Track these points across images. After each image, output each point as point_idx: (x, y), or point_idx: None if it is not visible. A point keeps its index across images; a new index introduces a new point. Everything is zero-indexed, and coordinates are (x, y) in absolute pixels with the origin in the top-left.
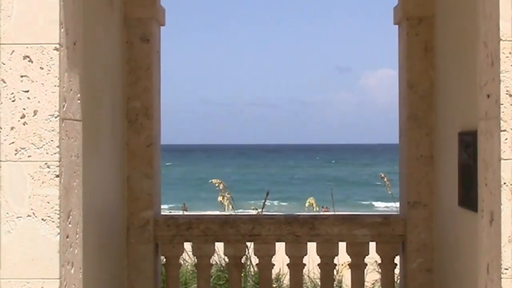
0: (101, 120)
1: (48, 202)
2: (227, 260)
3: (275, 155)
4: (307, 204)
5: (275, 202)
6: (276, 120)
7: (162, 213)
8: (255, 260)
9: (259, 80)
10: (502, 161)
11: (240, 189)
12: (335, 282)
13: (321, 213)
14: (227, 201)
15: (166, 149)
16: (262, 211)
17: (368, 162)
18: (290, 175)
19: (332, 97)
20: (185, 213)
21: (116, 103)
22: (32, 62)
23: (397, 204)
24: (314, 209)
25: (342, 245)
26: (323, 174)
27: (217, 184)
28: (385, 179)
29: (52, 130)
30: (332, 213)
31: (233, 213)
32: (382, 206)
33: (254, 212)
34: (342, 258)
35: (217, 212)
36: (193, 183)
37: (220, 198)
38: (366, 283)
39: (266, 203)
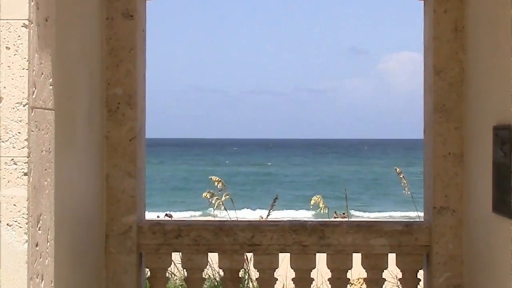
0: (76, 109)
1: (14, 205)
2: (222, 273)
3: (278, 151)
4: (312, 202)
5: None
6: (279, 110)
7: (147, 218)
8: (255, 274)
9: (260, 64)
10: None
11: (240, 194)
12: None
13: (332, 219)
14: (217, 202)
15: (152, 144)
16: (267, 218)
17: (386, 161)
18: (297, 175)
19: (345, 84)
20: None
21: (94, 90)
22: None
23: (416, 213)
24: (322, 210)
25: (357, 257)
26: (335, 174)
27: (216, 183)
28: (402, 175)
29: (20, 121)
30: (345, 219)
31: (230, 219)
32: (403, 212)
33: (254, 217)
34: (357, 272)
35: (211, 218)
36: (183, 185)
37: (205, 194)
38: None
39: (272, 210)
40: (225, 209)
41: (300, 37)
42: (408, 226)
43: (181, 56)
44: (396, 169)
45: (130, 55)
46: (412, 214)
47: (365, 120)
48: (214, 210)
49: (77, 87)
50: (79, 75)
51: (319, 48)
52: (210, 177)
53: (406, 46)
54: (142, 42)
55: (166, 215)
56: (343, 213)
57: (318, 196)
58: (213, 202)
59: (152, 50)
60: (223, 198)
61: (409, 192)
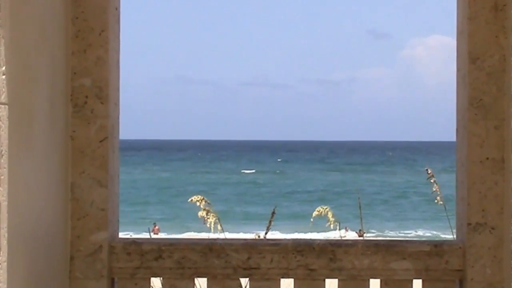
0: (35, 104)
1: None
2: None
3: (280, 155)
4: (314, 214)
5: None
6: (282, 106)
7: (121, 236)
8: None
9: (259, 50)
10: None
11: (234, 210)
12: None
13: (345, 237)
14: (211, 218)
15: (128, 146)
16: (265, 236)
17: (412, 168)
18: (303, 185)
19: (363, 74)
20: (154, 236)
21: (56, 80)
22: None
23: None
24: (330, 224)
25: (375, 283)
26: (349, 185)
27: (198, 203)
28: (433, 180)
29: None
30: (361, 238)
31: (221, 237)
32: (430, 229)
33: (251, 235)
34: None
35: (199, 235)
36: (167, 195)
37: (201, 213)
38: None
39: (271, 226)
40: (222, 229)
41: (307, 17)
42: (437, 247)
43: (164, 40)
44: (427, 169)
45: (101, 39)
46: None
47: (387, 118)
48: (211, 231)
49: (35, 77)
50: (38, 63)
51: (331, 31)
52: (190, 199)
53: (436, 29)
54: (115, 22)
55: (154, 226)
56: (360, 230)
57: (324, 207)
58: (210, 219)
59: (127, 32)
60: (214, 217)
61: (441, 202)
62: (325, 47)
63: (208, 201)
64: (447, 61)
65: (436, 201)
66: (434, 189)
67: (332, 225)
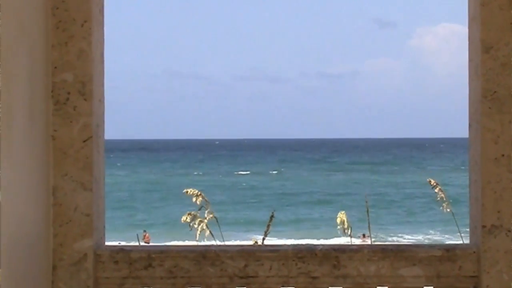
0: (13, 101)
1: None
2: None
3: (278, 155)
4: (339, 221)
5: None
6: (281, 102)
7: (108, 244)
8: None
9: (255, 41)
10: None
11: (229, 215)
12: None
13: (350, 242)
14: (201, 225)
15: (113, 147)
16: (263, 242)
17: (422, 166)
18: (303, 187)
19: (367, 66)
20: (144, 244)
21: (36, 75)
22: None
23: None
24: (346, 230)
25: None
26: (353, 185)
27: (194, 198)
28: (438, 188)
29: None
30: (366, 242)
31: (216, 243)
32: (442, 232)
33: (248, 242)
34: None
35: (191, 242)
36: (155, 199)
37: (185, 218)
38: None
39: (269, 231)
40: (212, 234)
41: (307, 5)
42: (449, 251)
43: (151, 31)
44: (429, 181)
45: (83, 30)
46: (456, 238)
47: (393, 114)
48: (197, 237)
49: (13, 72)
50: (15, 57)
51: (333, 19)
52: (185, 190)
53: (445, 16)
54: (99, 12)
55: (144, 233)
56: (363, 234)
57: (342, 213)
58: (196, 226)
59: (112, 23)
60: (206, 219)
61: (448, 210)
62: (326, 37)
63: (206, 198)
64: (459, 50)
65: (442, 208)
66: (439, 198)
67: (347, 231)
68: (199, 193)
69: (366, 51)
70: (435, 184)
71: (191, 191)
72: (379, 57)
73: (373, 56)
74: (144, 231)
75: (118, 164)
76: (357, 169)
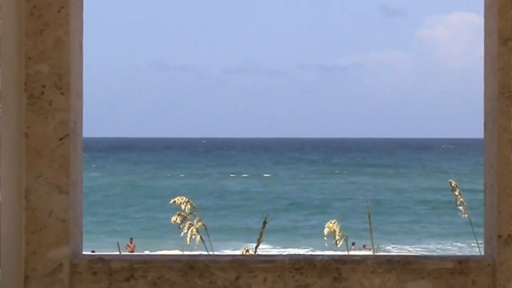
0: None
1: None
2: None
3: (273, 156)
4: (326, 231)
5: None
6: (277, 97)
7: (86, 253)
8: None
9: (249, 31)
10: None
11: (219, 222)
12: None
13: (353, 252)
14: (191, 229)
15: (91, 146)
16: (255, 251)
17: (431, 170)
18: (300, 191)
19: (372, 58)
20: (126, 253)
21: (7, 66)
22: None
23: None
24: (337, 241)
25: None
26: (352, 189)
27: (183, 206)
28: (457, 192)
29: None
30: (369, 253)
31: (205, 253)
32: (454, 242)
33: (239, 251)
34: None
35: (178, 252)
36: (137, 204)
37: (174, 218)
38: None
39: (262, 238)
40: (203, 241)
41: None
42: (461, 263)
43: (135, 18)
44: (450, 182)
45: (60, 17)
46: (470, 248)
47: (400, 111)
48: (188, 242)
49: None
50: None
51: (335, 7)
52: (173, 200)
53: (459, 4)
54: None
55: (130, 241)
56: (363, 246)
57: (333, 222)
58: (185, 229)
59: (92, 9)
60: (195, 225)
61: (466, 215)
62: (327, 25)
63: (194, 205)
64: (473, 42)
65: (460, 213)
66: (459, 202)
67: (339, 242)
68: (186, 199)
69: (371, 41)
70: (455, 186)
71: (179, 199)
72: (385, 48)
73: (379, 48)
74: (130, 238)
75: (93, 165)
76: (359, 171)
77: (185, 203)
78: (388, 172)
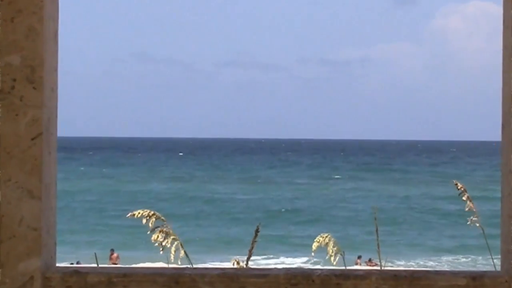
0: None
1: None
2: None
3: (268, 159)
4: (314, 246)
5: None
6: (274, 94)
7: (60, 265)
8: None
9: (244, 21)
10: None
11: (204, 233)
12: None
13: (356, 267)
14: (175, 243)
15: (66, 146)
16: (247, 263)
17: (443, 175)
18: (296, 198)
19: (380, 52)
20: (104, 265)
21: None
22: None
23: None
24: (330, 256)
25: None
26: (354, 196)
27: (144, 221)
28: (466, 196)
29: None
30: (375, 267)
31: (191, 266)
32: (466, 256)
33: (229, 264)
34: None
35: (162, 264)
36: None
37: (155, 236)
38: None
39: (253, 249)
40: (187, 256)
41: None
42: (475, 280)
43: (117, 6)
44: (456, 183)
45: (34, 3)
46: (485, 262)
47: (411, 110)
48: (171, 259)
49: None
50: None
51: None
52: (131, 213)
53: None
54: None
55: (111, 254)
56: (369, 259)
57: (325, 235)
58: (168, 244)
59: None
60: (178, 241)
61: (477, 224)
62: (330, 16)
63: (163, 218)
64: (492, 35)
65: (469, 222)
66: (468, 208)
67: (333, 258)
68: (151, 212)
69: (379, 33)
70: (462, 189)
71: (140, 212)
72: (394, 41)
73: (388, 40)
74: (112, 250)
75: (68, 168)
76: (363, 176)
77: (148, 217)
78: (395, 177)
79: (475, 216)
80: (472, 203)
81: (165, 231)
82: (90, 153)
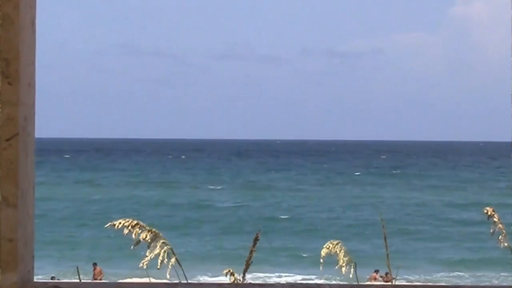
0: None
1: None
2: None
3: (270, 160)
4: (323, 253)
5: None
6: (275, 89)
7: (38, 279)
8: None
9: (239, 10)
10: None
11: (196, 245)
12: None
13: (370, 283)
14: (164, 247)
15: (45, 148)
16: (244, 277)
17: (464, 180)
18: (298, 206)
19: (394, 42)
20: (87, 280)
21: None
22: None
23: None
24: (342, 265)
25: None
26: (361, 204)
27: (126, 230)
28: (496, 219)
29: None
30: (389, 283)
31: (184, 281)
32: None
33: (226, 279)
34: None
35: (153, 280)
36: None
37: (144, 236)
38: None
39: (251, 259)
40: (179, 265)
41: None
42: None
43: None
44: (486, 210)
45: None
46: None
47: (428, 107)
48: (159, 265)
49: None
50: None
51: None
52: (110, 223)
53: None
54: None
55: (93, 268)
56: (386, 273)
57: (334, 242)
58: (157, 249)
59: None
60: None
61: (506, 244)
62: (339, 3)
63: (151, 228)
64: None
65: (497, 242)
66: (496, 230)
67: (344, 269)
68: (134, 222)
69: (392, 22)
70: (492, 213)
71: (122, 222)
72: (410, 30)
73: (402, 29)
74: (94, 264)
75: (47, 172)
76: (371, 181)
77: (131, 227)
78: (411, 181)
79: (504, 235)
80: (503, 225)
81: (154, 231)
82: (66, 156)
